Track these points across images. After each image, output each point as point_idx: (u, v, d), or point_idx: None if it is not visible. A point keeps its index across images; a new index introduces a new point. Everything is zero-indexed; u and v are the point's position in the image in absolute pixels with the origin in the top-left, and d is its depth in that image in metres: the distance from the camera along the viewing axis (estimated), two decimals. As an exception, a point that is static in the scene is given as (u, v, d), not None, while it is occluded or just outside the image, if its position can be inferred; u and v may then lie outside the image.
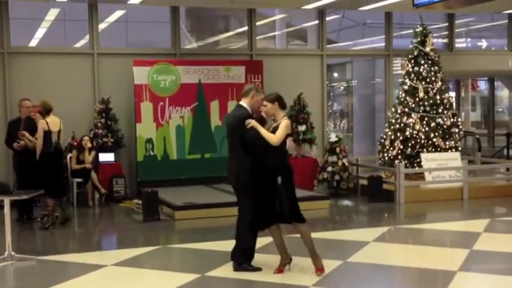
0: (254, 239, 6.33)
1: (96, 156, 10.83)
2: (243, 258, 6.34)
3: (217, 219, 9.01)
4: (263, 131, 6.01)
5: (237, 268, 6.34)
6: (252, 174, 6.07)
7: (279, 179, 5.98)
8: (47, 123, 8.60)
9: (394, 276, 6.50)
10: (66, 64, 11.49)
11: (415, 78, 11.37)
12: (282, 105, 6.23)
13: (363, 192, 11.15)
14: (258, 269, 6.31)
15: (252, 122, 6.02)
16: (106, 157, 11.10)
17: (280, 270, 6.27)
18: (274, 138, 5.95)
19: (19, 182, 9.16)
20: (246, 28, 12.87)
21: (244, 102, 6.29)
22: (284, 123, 6.04)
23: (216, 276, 6.20)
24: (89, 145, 10.63)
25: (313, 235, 7.28)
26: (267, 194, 6.02)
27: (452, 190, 10.78)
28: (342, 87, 19.81)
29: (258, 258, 6.91)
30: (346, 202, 10.84)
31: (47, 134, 8.57)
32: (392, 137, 11.28)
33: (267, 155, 6.04)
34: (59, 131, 8.78)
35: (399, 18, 14.58)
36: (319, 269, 6.17)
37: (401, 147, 11.11)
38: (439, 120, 11.20)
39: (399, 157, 11.07)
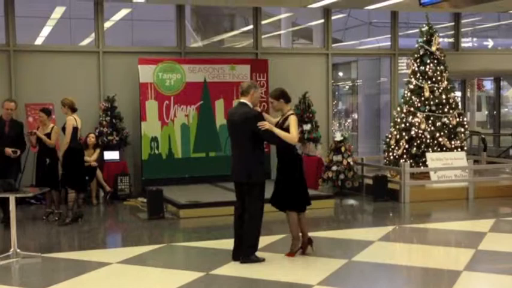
0: (259, 232, 6.53)
1: (101, 155, 10.86)
2: (249, 250, 6.43)
3: (222, 218, 9.00)
4: (279, 132, 6.30)
5: (245, 260, 6.43)
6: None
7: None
8: (75, 120, 8.73)
9: (399, 275, 6.49)
10: (71, 62, 11.51)
11: (420, 77, 11.34)
12: (287, 100, 6.59)
13: (367, 192, 11.13)
14: (263, 260, 6.49)
15: (266, 125, 6.25)
16: (111, 155, 11.11)
17: (291, 255, 6.71)
18: (292, 137, 6.30)
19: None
20: (251, 27, 12.87)
21: (245, 100, 6.42)
22: (293, 120, 6.33)
23: (221, 275, 6.20)
24: (93, 141, 10.66)
25: (318, 234, 7.32)
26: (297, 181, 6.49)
27: (458, 190, 10.75)
28: (347, 87, 19.78)
29: (265, 257, 6.91)
30: (351, 201, 10.83)
31: (75, 130, 8.69)
32: (398, 136, 11.25)
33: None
34: (79, 129, 8.95)
35: (405, 18, 14.55)
36: (291, 253, 6.63)
37: (406, 146, 11.09)
38: (445, 119, 11.17)
39: (404, 156, 11.05)
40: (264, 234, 7.78)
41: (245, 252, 6.47)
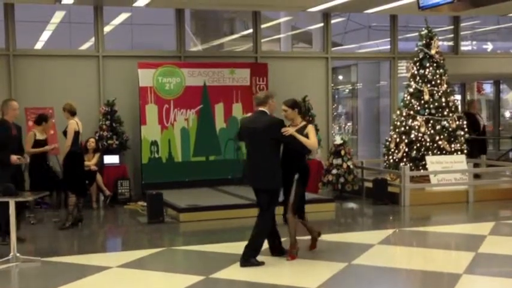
0: (265, 238, 6.74)
1: (101, 159, 10.86)
2: (252, 253, 6.55)
3: (222, 222, 9.02)
4: (301, 138, 6.58)
5: (244, 264, 6.52)
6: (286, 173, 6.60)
7: (297, 176, 6.66)
8: (77, 123, 8.74)
9: (399, 278, 6.48)
10: (71, 66, 11.52)
11: (420, 81, 11.35)
12: (300, 110, 7.02)
13: (367, 195, 11.13)
14: (262, 263, 6.56)
15: (290, 130, 6.55)
16: (111, 159, 11.11)
17: (313, 247, 7.11)
18: (313, 143, 6.67)
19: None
20: (251, 31, 12.88)
21: (264, 109, 6.67)
22: (312, 128, 6.77)
23: (221, 278, 6.20)
24: (94, 146, 10.67)
25: (319, 237, 7.31)
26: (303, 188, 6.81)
27: (458, 193, 10.75)
28: (347, 90, 19.80)
29: (265, 260, 6.92)
30: (351, 205, 10.82)
31: (76, 134, 8.70)
32: (398, 139, 11.26)
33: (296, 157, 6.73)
34: (80, 133, 8.97)
35: (404, 21, 14.56)
36: (291, 255, 6.77)
37: (406, 149, 11.09)
38: (444, 123, 11.17)
39: (404, 160, 11.05)
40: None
41: (247, 254, 6.53)
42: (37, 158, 9.07)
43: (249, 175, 6.77)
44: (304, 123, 6.93)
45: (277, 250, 6.91)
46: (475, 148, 12.47)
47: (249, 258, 6.53)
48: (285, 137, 6.51)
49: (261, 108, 6.68)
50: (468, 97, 18.02)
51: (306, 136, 6.66)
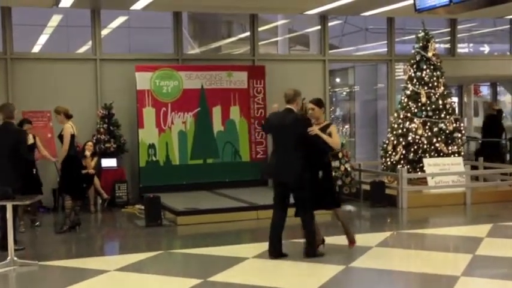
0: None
1: (99, 162, 10.85)
2: (314, 246, 6.93)
3: (220, 225, 9.01)
4: (326, 137, 6.84)
5: (313, 254, 6.91)
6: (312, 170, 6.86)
7: (321, 173, 6.95)
8: (72, 127, 8.69)
9: (397, 281, 6.48)
10: (68, 70, 11.52)
11: (417, 83, 11.37)
12: (325, 110, 7.37)
13: (365, 197, 11.13)
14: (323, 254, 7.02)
15: (315, 129, 6.80)
16: (108, 162, 11.11)
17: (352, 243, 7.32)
18: (336, 142, 6.99)
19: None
20: (248, 33, 12.89)
21: (292, 107, 6.96)
22: (334, 128, 7.05)
23: (219, 282, 6.19)
24: (92, 150, 10.66)
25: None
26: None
27: (455, 195, 10.76)
28: (344, 93, 19.80)
29: (260, 264, 6.92)
30: (349, 207, 10.82)
31: (72, 137, 8.67)
32: (395, 142, 11.27)
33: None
34: (76, 136, 8.91)
35: (401, 24, 14.58)
36: (350, 242, 7.27)
37: (403, 152, 11.10)
38: (442, 125, 11.19)
39: (402, 162, 11.05)
40: (261, 241, 7.78)
41: (312, 249, 6.90)
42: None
43: (275, 170, 7.02)
44: (327, 122, 7.22)
45: (278, 251, 6.99)
46: (490, 151, 12.44)
47: (313, 253, 6.88)
48: (310, 135, 6.76)
49: (288, 106, 6.98)
50: (465, 99, 18.05)
51: (329, 135, 6.92)
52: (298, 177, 6.78)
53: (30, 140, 8.92)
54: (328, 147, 6.98)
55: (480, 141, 13.92)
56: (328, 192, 7.10)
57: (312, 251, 6.93)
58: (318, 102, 7.15)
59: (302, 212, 6.91)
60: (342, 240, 7.48)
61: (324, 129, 6.98)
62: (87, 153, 10.58)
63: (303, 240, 7.13)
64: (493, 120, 12.61)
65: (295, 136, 6.80)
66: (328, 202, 7.13)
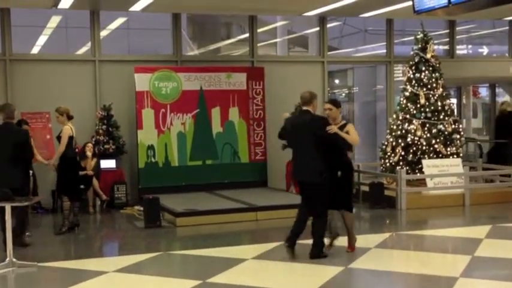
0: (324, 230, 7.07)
1: (98, 163, 10.84)
2: (320, 247, 6.92)
3: (219, 226, 9.01)
4: (345, 135, 6.96)
5: (317, 255, 6.90)
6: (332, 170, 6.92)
7: (339, 173, 7.00)
8: (71, 128, 8.69)
9: (396, 282, 6.49)
10: (67, 71, 11.52)
11: (416, 84, 11.37)
12: (341, 111, 7.38)
13: (364, 199, 11.12)
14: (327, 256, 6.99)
15: (334, 128, 6.89)
16: (107, 164, 11.10)
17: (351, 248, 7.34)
18: (355, 140, 7.05)
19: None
20: (247, 35, 12.90)
21: (308, 108, 7.07)
22: (352, 127, 7.12)
23: (217, 283, 6.19)
24: (92, 151, 10.67)
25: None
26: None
27: (454, 196, 10.77)
28: (343, 94, 19.82)
29: (259, 265, 6.92)
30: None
31: (70, 139, 8.66)
32: (394, 143, 11.28)
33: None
34: (74, 138, 8.91)
35: (400, 25, 14.60)
36: (350, 247, 7.25)
37: (402, 153, 11.11)
38: (441, 126, 11.19)
39: (401, 163, 11.06)
40: (260, 242, 7.80)
41: (317, 249, 6.90)
42: None
43: (295, 170, 7.20)
44: (344, 121, 7.25)
45: (292, 242, 7.05)
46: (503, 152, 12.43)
47: (320, 252, 6.90)
48: (329, 134, 6.85)
49: (305, 108, 7.08)
50: (464, 100, 18.06)
51: (347, 134, 7.02)
52: (316, 177, 6.82)
53: None
54: (347, 145, 7.07)
55: (493, 142, 13.93)
56: (344, 194, 7.12)
57: (317, 252, 6.92)
58: (335, 102, 7.31)
59: (314, 212, 6.93)
60: (341, 241, 7.48)
61: (341, 128, 7.06)
62: (89, 153, 10.59)
63: (304, 242, 7.14)
64: (505, 120, 12.60)
65: (313, 136, 6.89)
66: (341, 203, 7.14)
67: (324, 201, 6.87)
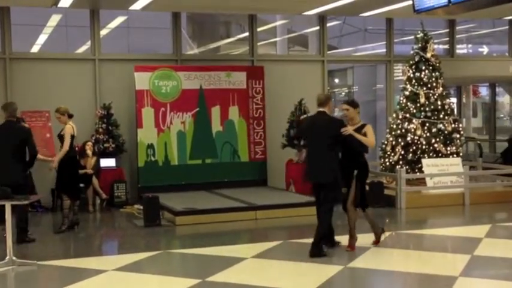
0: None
1: (97, 162, 10.85)
2: (320, 245, 6.98)
3: (218, 225, 9.02)
4: (360, 137, 7.03)
5: (319, 253, 6.93)
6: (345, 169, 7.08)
7: (356, 172, 7.14)
8: (73, 128, 8.70)
9: (395, 281, 6.49)
10: (67, 70, 11.52)
11: (416, 84, 11.37)
12: (359, 110, 7.38)
13: (364, 198, 11.10)
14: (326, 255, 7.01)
15: (349, 130, 6.98)
16: (107, 162, 11.10)
17: (376, 242, 7.46)
18: (371, 142, 7.10)
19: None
20: (247, 34, 12.90)
21: (324, 109, 7.14)
22: (370, 128, 7.20)
23: (217, 282, 6.19)
24: (92, 150, 10.67)
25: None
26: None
27: (454, 196, 10.77)
28: (343, 93, 19.84)
29: (258, 264, 6.93)
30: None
31: (72, 138, 8.68)
32: (394, 142, 11.28)
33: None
34: (75, 137, 8.92)
35: (400, 24, 14.61)
36: (350, 246, 7.27)
37: (402, 152, 11.11)
38: (440, 125, 11.19)
39: (400, 162, 11.06)
40: (259, 241, 7.80)
41: (317, 246, 6.96)
42: None
43: (310, 171, 7.24)
44: (362, 122, 7.29)
45: (330, 242, 7.28)
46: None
47: (320, 250, 6.94)
48: (344, 135, 6.94)
49: (321, 109, 7.15)
50: (464, 99, 18.07)
51: (364, 135, 7.09)
52: (331, 178, 6.95)
53: None
54: (363, 147, 7.12)
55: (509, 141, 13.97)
56: (358, 192, 7.20)
57: (317, 251, 6.93)
58: (352, 103, 7.35)
59: (323, 211, 7.05)
60: (340, 240, 7.49)
61: (359, 129, 7.14)
62: (89, 152, 10.59)
63: (304, 241, 7.17)
64: None
65: (329, 137, 6.97)
66: (360, 201, 7.25)
67: (336, 199, 7.06)
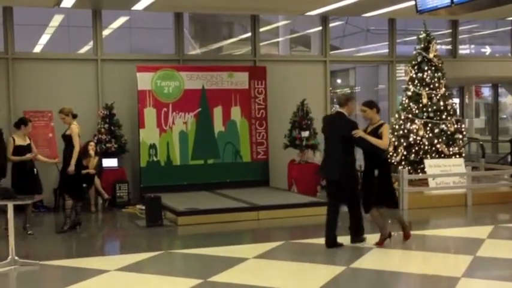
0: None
1: (100, 162, 10.85)
2: (359, 233, 7.48)
3: (220, 225, 9.01)
4: (371, 138, 7.18)
5: (359, 240, 7.50)
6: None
7: (376, 171, 7.33)
8: (78, 128, 8.70)
9: (398, 282, 6.48)
10: (70, 70, 11.53)
11: (418, 84, 11.36)
12: (378, 109, 7.47)
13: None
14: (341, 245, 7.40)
15: (359, 132, 7.19)
16: (109, 162, 11.11)
17: (380, 243, 7.47)
18: (383, 143, 7.20)
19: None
20: (249, 34, 12.90)
21: (343, 110, 7.40)
22: (386, 128, 7.30)
23: (219, 282, 6.19)
24: (94, 150, 10.67)
25: (317, 241, 7.36)
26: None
27: (456, 196, 10.75)
28: (346, 94, 19.83)
29: (260, 265, 6.92)
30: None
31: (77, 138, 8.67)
32: (396, 143, 11.27)
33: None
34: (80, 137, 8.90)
35: (403, 25, 14.60)
36: (406, 235, 7.66)
37: (404, 153, 11.10)
38: (443, 126, 11.18)
39: (403, 163, 11.05)
40: (261, 241, 7.79)
41: (359, 235, 7.46)
42: (19, 165, 8.73)
43: (322, 167, 7.75)
44: (381, 122, 7.41)
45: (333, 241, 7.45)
46: None
47: (359, 238, 7.46)
48: (355, 138, 7.17)
49: (340, 109, 7.45)
50: (466, 100, 18.06)
51: (380, 135, 7.20)
52: (337, 175, 7.22)
53: (27, 141, 8.90)
54: (377, 148, 7.21)
55: None
56: (384, 191, 7.35)
57: (356, 238, 7.45)
58: (369, 104, 7.44)
59: (351, 207, 7.46)
60: (342, 240, 7.48)
61: (377, 128, 7.27)
62: (92, 152, 10.58)
63: (306, 241, 7.18)
64: None
65: (340, 137, 7.24)
66: (380, 200, 7.37)
67: (354, 195, 7.36)
